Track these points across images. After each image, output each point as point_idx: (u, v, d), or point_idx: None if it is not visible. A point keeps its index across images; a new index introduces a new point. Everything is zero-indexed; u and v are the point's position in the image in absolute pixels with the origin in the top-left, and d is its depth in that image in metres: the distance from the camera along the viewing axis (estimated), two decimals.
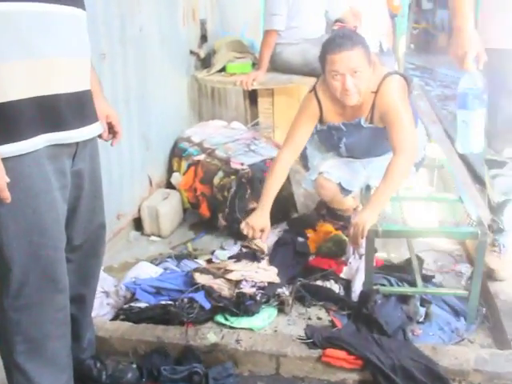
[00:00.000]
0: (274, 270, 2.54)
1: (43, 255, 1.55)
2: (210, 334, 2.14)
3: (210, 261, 2.80)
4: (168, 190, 3.47)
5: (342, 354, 1.96)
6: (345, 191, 2.69)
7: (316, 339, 2.02)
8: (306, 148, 2.96)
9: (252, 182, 3.00)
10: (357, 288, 2.41)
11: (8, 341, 1.63)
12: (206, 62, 4.08)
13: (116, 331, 2.23)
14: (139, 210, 3.28)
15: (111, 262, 2.98)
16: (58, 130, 1.54)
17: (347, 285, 2.52)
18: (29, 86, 1.46)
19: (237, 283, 2.44)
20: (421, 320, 2.22)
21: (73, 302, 1.79)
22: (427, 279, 2.45)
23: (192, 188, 3.32)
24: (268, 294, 2.41)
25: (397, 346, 1.98)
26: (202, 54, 4.03)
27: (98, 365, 2.04)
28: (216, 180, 3.13)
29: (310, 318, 2.38)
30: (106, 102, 1.86)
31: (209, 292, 2.39)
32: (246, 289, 2.39)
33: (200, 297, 2.38)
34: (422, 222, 2.72)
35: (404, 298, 2.29)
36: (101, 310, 2.49)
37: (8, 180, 1.42)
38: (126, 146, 3.05)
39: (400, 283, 2.38)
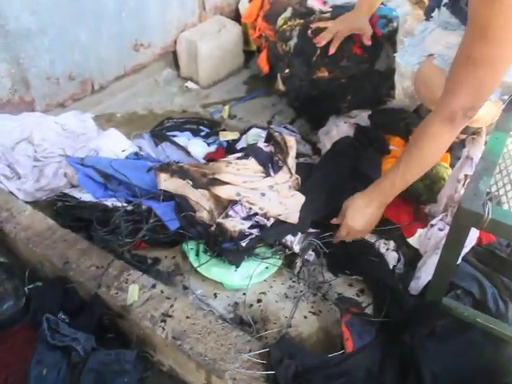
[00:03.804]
0: (298, 199, 1.51)
1: None
2: (132, 286, 1.29)
3: (229, 149, 1.84)
4: (227, 21, 2.39)
5: None
6: None
7: (281, 375, 1.07)
8: None
9: None
10: (424, 275, 1.32)
11: None
12: None
13: (26, 230, 1.48)
14: (176, 43, 2.30)
15: (114, 109, 2.16)
16: None
17: (412, 259, 1.43)
18: None
19: (228, 204, 1.49)
20: None
21: None
22: None
23: (255, 24, 2.22)
24: (265, 239, 1.43)
25: None
26: None
27: None
28: (280, 20, 1.98)
29: (324, 297, 1.40)
30: None
31: (180, 206, 1.48)
32: (233, 222, 1.43)
33: (165, 209, 1.49)
34: None
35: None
36: (54, 179, 1.75)
37: None
38: None
39: (502, 301, 1.23)
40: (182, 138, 1.83)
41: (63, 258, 1.39)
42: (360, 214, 1.37)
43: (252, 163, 1.51)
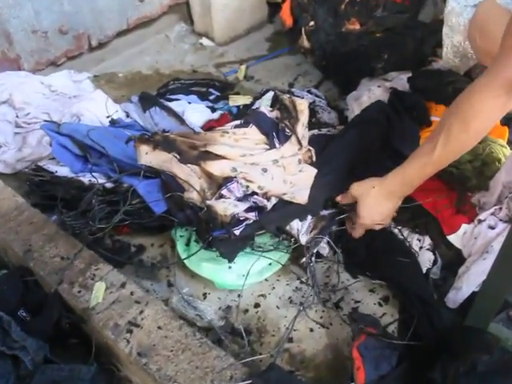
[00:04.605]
0: (309, 173, 1.22)
1: None
2: (97, 285, 1.06)
3: (238, 117, 1.55)
4: None
5: None
6: None
7: None
8: None
9: None
10: (465, 286, 1.02)
11: None
12: None
13: None
14: None
15: (117, 68, 1.91)
16: None
17: (452, 262, 1.13)
18: None
19: (223, 181, 1.21)
20: None
21: None
22: None
23: None
24: (265, 225, 1.16)
25: None
26: None
27: None
28: None
29: (338, 305, 1.12)
30: None
31: (166, 185, 1.23)
32: (224, 204, 1.15)
33: (149, 188, 1.23)
34: None
35: None
36: (38, 148, 1.53)
37: None
38: None
39: None
40: (182, 102, 1.56)
41: (25, 244, 1.17)
42: (378, 210, 1.11)
43: (253, 132, 1.23)
